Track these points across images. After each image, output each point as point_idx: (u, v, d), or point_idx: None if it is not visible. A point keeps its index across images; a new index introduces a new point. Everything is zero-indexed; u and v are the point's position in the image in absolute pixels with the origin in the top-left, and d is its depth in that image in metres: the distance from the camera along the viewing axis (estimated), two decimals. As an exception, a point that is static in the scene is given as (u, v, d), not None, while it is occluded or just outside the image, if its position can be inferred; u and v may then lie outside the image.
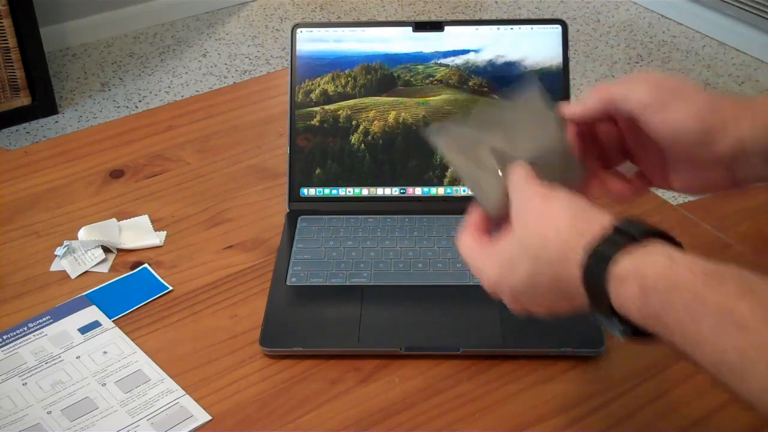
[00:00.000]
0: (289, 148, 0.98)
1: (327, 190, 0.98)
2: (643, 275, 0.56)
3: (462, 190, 0.98)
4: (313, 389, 0.79)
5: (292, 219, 0.97)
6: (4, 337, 0.84)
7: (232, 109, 1.21)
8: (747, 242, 0.96)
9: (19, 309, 0.88)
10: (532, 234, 0.62)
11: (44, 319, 0.86)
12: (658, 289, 0.55)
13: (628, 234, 0.58)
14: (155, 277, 0.92)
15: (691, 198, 2.21)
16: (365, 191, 0.98)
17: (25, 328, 0.85)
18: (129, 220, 1.00)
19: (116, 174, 1.08)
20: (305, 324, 0.85)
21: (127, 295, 0.89)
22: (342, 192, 0.98)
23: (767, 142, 0.63)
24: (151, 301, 0.89)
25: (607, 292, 0.57)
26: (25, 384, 0.80)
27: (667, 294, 0.55)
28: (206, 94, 1.26)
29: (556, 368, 0.81)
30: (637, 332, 0.58)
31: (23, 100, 2.60)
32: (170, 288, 0.90)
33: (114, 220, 0.99)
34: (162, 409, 0.77)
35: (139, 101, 2.77)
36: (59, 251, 0.94)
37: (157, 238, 0.97)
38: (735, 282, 0.54)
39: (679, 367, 0.80)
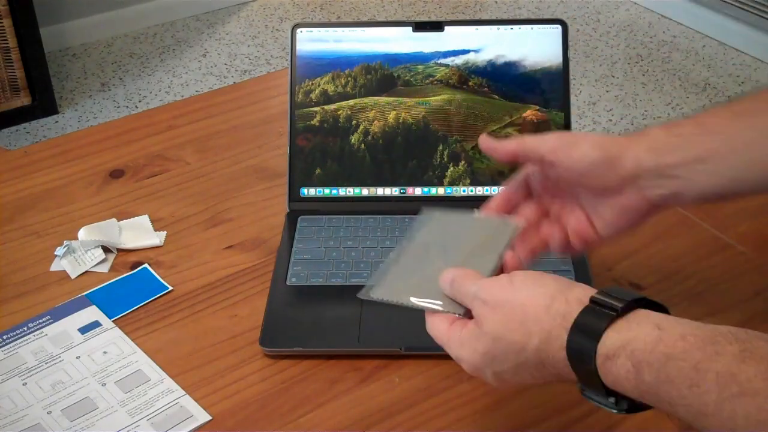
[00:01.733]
0: (289, 148, 0.98)
1: (327, 190, 0.98)
2: (633, 350, 0.54)
3: (462, 190, 0.98)
4: (313, 389, 0.79)
5: (292, 219, 0.97)
6: (4, 337, 0.84)
7: (232, 109, 1.21)
8: (747, 242, 0.96)
9: (19, 309, 0.88)
10: (511, 330, 0.60)
11: (44, 319, 0.86)
12: (652, 364, 0.54)
13: (608, 306, 0.57)
14: (155, 277, 0.92)
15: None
16: (365, 191, 0.98)
17: (25, 328, 0.85)
18: (129, 220, 1.00)
19: (116, 174, 1.08)
20: (305, 324, 0.85)
21: (127, 295, 0.89)
22: (342, 192, 0.98)
23: (658, 163, 0.68)
24: (151, 301, 0.89)
25: (597, 372, 0.56)
26: (25, 384, 0.80)
27: (663, 368, 0.53)
28: (206, 94, 1.26)
29: (556, 368, 0.81)
30: (633, 406, 0.57)
31: (23, 100, 2.60)
32: (170, 288, 0.90)
33: (114, 220, 0.99)
34: (162, 409, 0.77)
35: (139, 101, 2.77)
36: (59, 251, 0.94)
37: (157, 238, 0.97)
38: (732, 345, 0.52)
39: (679, 367, 0.80)
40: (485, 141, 0.73)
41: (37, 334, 0.85)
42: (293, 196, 0.98)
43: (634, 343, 0.55)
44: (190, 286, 0.91)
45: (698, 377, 0.52)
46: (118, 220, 0.99)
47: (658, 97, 2.78)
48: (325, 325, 0.85)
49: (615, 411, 0.58)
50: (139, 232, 0.98)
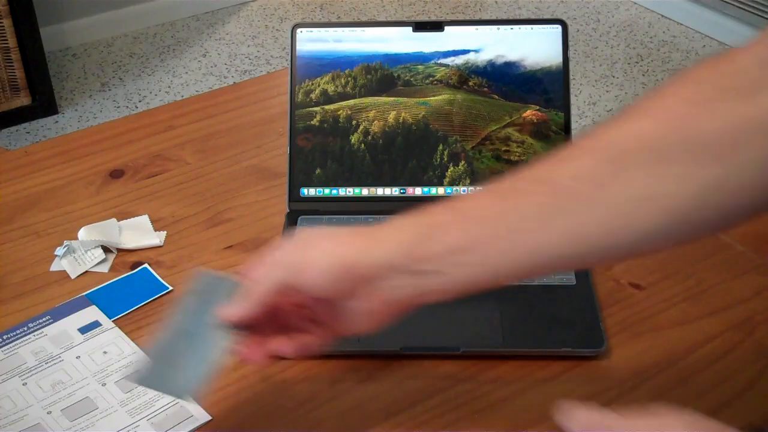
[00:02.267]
0: (289, 148, 0.98)
1: (327, 190, 0.98)
2: None
3: (462, 190, 0.98)
4: (313, 389, 0.79)
5: (292, 219, 0.97)
6: (4, 337, 0.84)
7: (232, 109, 1.21)
8: (747, 242, 0.96)
9: (19, 309, 0.88)
10: None
11: (44, 319, 0.86)
12: None
13: None
14: (155, 277, 0.92)
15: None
16: (365, 191, 0.98)
17: (25, 328, 0.85)
18: (129, 220, 1.00)
19: (116, 174, 1.08)
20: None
21: (127, 295, 0.89)
22: (342, 192, 0.98)
23: (408, 259, 0.61)
24: (151, 301, 0.89)
25: None
26: (25, 384, 0.80)
27: None
28: (206, 94, 1.26)
29: (556, 368, 0.81)
30: None
31: (23, 100, 2.60)
32: (170, 288, 0.90)
33: (114, 220, 0.99)
34: (162, 409, 0.77)
35: (139, 101, 2.77)
36: (59, 251, 0.94)
37: (157, 238, 0.97)
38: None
39: (679, 367, 0.81)
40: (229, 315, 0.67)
41: (37, 334, 0.85)
42: (293, 196, 0.98)
43: None
44: (190, 286, 0.91)
45: None
46: (118, 220, 0.99)
47: (658, 97, 2.78)
48: None
49: None
50: (139, 232, 0.98)
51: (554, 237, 0.60)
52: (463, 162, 0.98)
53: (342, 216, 0.96)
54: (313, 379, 0.80)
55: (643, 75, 2.91)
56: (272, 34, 3.15)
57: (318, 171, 0.98)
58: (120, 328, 0.85)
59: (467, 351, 0.81)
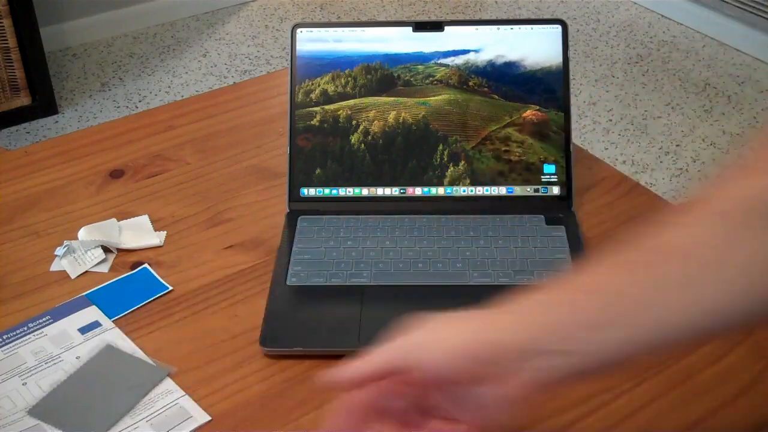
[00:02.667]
0: (289, 148, 0.98)
1: (327, 190, 0.98)
2: None
3: (462, 190, 0.98)
4: (313, 389, 0.79)
5: (292, 219, 0.97)
6: (4, 337, 0.84)
7: (232, 109, 1.21)
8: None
9: (19, 309, 0.88)
10: None
11: (44, 319, 0.86)
12: None
13: None
14: (155, 277, 0.92)
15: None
16: (365, 191, 0.98)
17: (25, 328, 0.85)
18: (129, 220, 1.00)
19: (116, 174, 1.08)
20: (305, 324, 0.85)
21: (127, 295, 0.89)
22: (342, 192, 0.98)
23: (545, 340, 0.57)
24: (151, 301, 0.89)
25: None
26: (25, 384, 0.80)
27: None
28: (206, 94, 1.26)
29: (556, 368, 0.81)
30: None
31: (23, 100, 2.60)
32: (170, 288, 0.90)
33: (114, 220, 0.99)
34: (162, 410, 0.77)
35: (139, 101, 2.77)
36: (59, 251, 0.94)
37: (157, 238, 0.97)
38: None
39: (679, 367, 0.81)
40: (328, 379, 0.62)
41: (37, 334, 0.85)
42: (293, 196, 0.98)
43: None
44: (190, 286, 0.91)
45: None
46: (118, 220, 0.99)
47: (658, 97, 2.78)
48: (325, 325, 0.85)
49: None
50: (139, 232, 0.98)
51: (692, 306, 0.57)
52: (463, 162, 0.98)
53: (342, 216, 0.96)
54: (313, 379, 0.80)
55: (643, 75, 2.91)
56: (272, 34, 3.15)
57: (318, 171, 0.98)
58: (120, 328, 0.85)
59: None
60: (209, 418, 0.76)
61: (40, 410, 0.76)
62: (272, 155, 1.11)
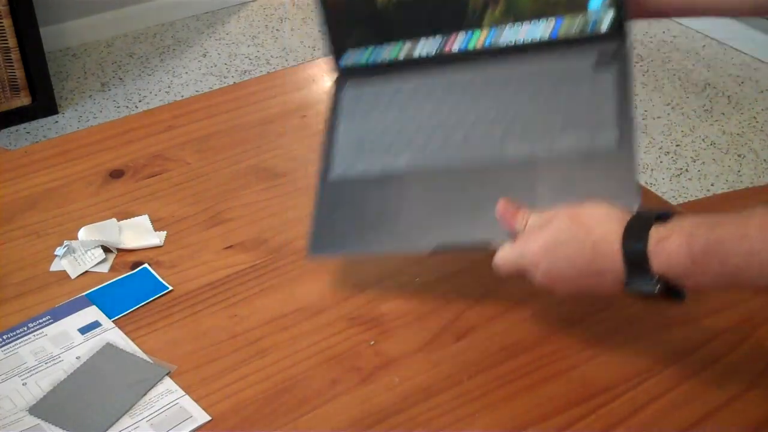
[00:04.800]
0: (320, 10, 0.97)
1: (367, 53, 0.96)
2: (682, 228, 0.69)
3: (502, 35, 0.92)
4: (313, 389, 0.79)
5: (337, 89, 0.96)
6: (4, 337, 0.84)
7: (232, 109, 1.21)
8: (747, 242, 0.96)
9: (19, 309, 0.88)
10: (576, 224, 0.73)
11: (44, 319, 0.86)
12: (701, 234, 0.68)
13: (653, 215, 0.71)
14: (155, 277, 0.92)
15: (690, 198, 2.21)
16: (403, 50, 0.95)
17: (25, 328, 0.85)
18: (129, 220, 1.00)
19: (116, 174, 1.08)
20: (352, 225, 0.85)
21: (127, 295, 0.89)
22: (381, 54, 0.96)
23: None
24: (151, 301, 0.89)
25: (646, 256, 0.69)
26: (25, 384, 0.80)
27: (712, 232, 0.67)
28: (206, 94, 1.26)
29: (556, 368, 0.81)
30: (669, 290, 0.71)
31: (23, 100, 2.60)
32: (170, 288, 0.90)
33: (114, 220, 0.99)
34: (162, 410, 0.77)
35: (139, 101, 2.77)
36: (59, 251, 0.94)
37: (157, 238, 0.97)
38: (760, 210, 0.67)
39: (679, 367, 0.81)
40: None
41: (37, 334, 0.85)
42: (335, 64, 0.98)
43: (683, 224, 0.69)
44: (190, 286, 0.91)
45: (744, 229, 0.66)
46: (118, 220, 0.99)
47: (658, 97, 2.78)
48: (371, 224, 0.85)
49: (655, 291, 0.70)
50: (139, 232, 0.98)
51: None
52: (501, 2, 0.92)
53: (386, 81, 0.94)
54: (313, 379, 0.80)
55: (643, 75, 2.91)
56: (272, 34, 3.15)
57: (353, 32, 0.96)
58: (120, 328, 0.85)
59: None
60: (209, 418, 0.76)
61: (40, 410, 0.76)
62: (272, 155, 1.11)
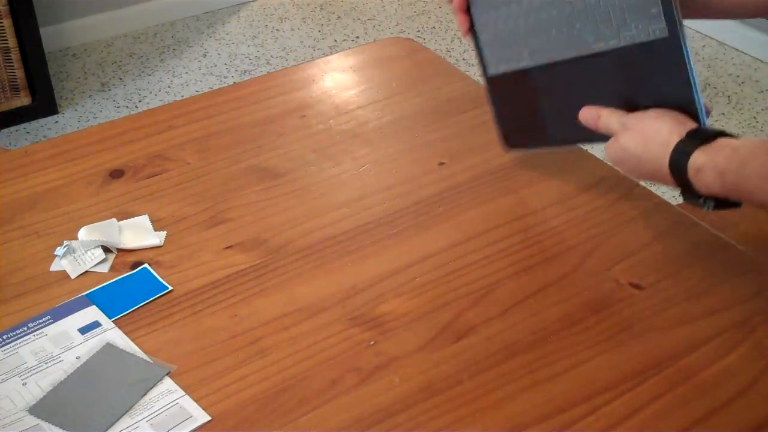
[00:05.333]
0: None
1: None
2: (716, 164, 0.80)
3: None
4: (313, 389, 0.79)
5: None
6: (4, 337, 0.84)
7: (232, 109, 1.21)
8: (747, 242, 0.96)
9: (19, 309, 0.88)
10: (637, 147, 0.88)
11: (44, 319, 0.86)
12: (731, 170, 0.79)
13: (699, 136, 0.83)
14: (155, 277, 0.92)
15: (691, 198, 2.21)
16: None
17: (25, 328, 0.85)
18: (129, 220, 1.00)
19: (116, 174, 1.08)
20: (533, 121, 1.02)
21: (127, 295, 0.89)
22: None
23: None
24: (151, 301, 0.89)
25: (689, 181, 0.82)
26: (25, 384, 0.80)
27: (741, 170, 0.78)
28: (206, 94, 1.26)
29: (556, 368, 0.81)
30: (720, 203, 0.82)
31: (23, 100, 2.60)
32: (170, 288, 0.91)
33: (114, 220, 0.99)
34: (162, 410, 0.77)
35: (139, 101, 2.77)
36: (59, 251, 0.94)
37: (157, 238, 0.97)
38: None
39: (679, 367, 0.81)
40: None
41: (37, 334, 0.85)
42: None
43: (716, 159, 0.80)
44: (190, 286, 0.91)
45: (765, 170, 0.77)
46: (118, 220, 0.99)
47: (658, 97, 2.78)
48: (547, 118, 1.01)
49: (706, 208, 0.83)
50: (139, 232, 0.98)
51: None
52: None
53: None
54: (313, 379, 0.80)
55: (643, 75, 2.91)
56: (272, 34, 3.15)
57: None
58: (120, 328, 0.85)
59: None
60: (209, 418, 0.76)
61: (40, 410, 0.76)
62: (272, 155, 1.11)
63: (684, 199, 0.85)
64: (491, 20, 1.02)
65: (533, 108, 1.02)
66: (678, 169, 0.83)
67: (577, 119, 0.95)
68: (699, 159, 0.81)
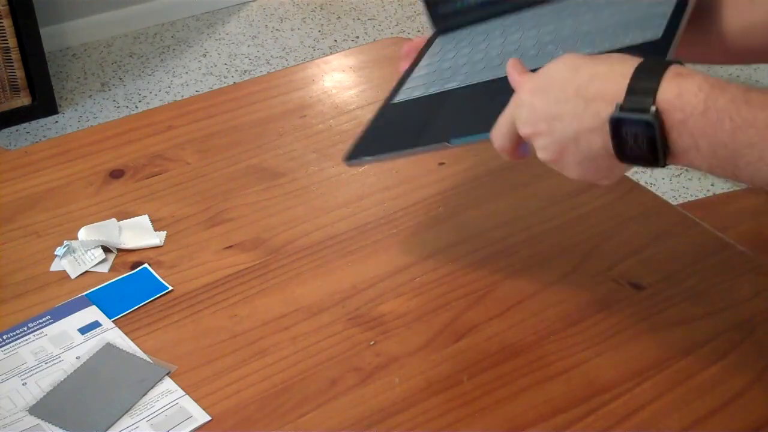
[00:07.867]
0: None
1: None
2: (709, 78, 0.63)
3: None
4: (313, 389, 0.79)
5: (426, 43, 0.99)
6: (4, 337, 0.84)
7: (232, 109, 1.21)
8: (747, 242, 0.96)
9: (19, 309, 0.88)
10: (576, 62, 0.69)
11: (44, 319, 0.86)
12: (728, 90, 0.62)
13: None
14: (155, 277, 0.92)
15: (690, 198, 2.21)
16: None
17: (25, 328, 0.85)
18: (129, 220, 1.00)
19: (116, 174, 1.08)
20: (387, 134, 0.89)
21: (127, 295, 0.89)
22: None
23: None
24: (151, 301, 0.89)
25: (658, 81, 0.63)
26: (25, 384, 0.80)
27: (746, 98, 0.61)
28: (206, 94, 1.26)
29: (556, 368, 0.81)
30: (653, 146, 0.64)
31: (23, 100, 2.60)
32: (170, 288, 0.91)
33: (114, 220, 0.99)
34: (161, 410, 0.77)
35: (139, 101, 2.77)
36: (59, 251, 0.94)
37: (157, 238, 0.97)
38: (737, 85, 0.62)
39: (679, 367, 0.81)
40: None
41: (37, 334, 0.85)
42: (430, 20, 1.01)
43: (711, 78, 0.63)
44: (190, 286, 0.91)
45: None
46: (118, 220, 0.99)
47: (658, 97, 2.78)
48: (403, 129, 0.88)
49: (648, 123, 0.63)
50: (139, 232, 0.98)
51: None
52: None
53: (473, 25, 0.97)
54: (313, 379, 0.80)
55: (643, 75, 2.91)
56: (272, 34, 3.15)
57: None
58: (120, 328, 0.85)
59: None
60: (209, 418, 0.76)
61: (40, 410, 0.76)
62: (272, 155, 1.11)
63: (618, 113, 0.64)
64: (440, 60, 0.97)
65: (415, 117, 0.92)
66: (647, 71, 0.64)
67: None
68: (684, 68, 0.65)
